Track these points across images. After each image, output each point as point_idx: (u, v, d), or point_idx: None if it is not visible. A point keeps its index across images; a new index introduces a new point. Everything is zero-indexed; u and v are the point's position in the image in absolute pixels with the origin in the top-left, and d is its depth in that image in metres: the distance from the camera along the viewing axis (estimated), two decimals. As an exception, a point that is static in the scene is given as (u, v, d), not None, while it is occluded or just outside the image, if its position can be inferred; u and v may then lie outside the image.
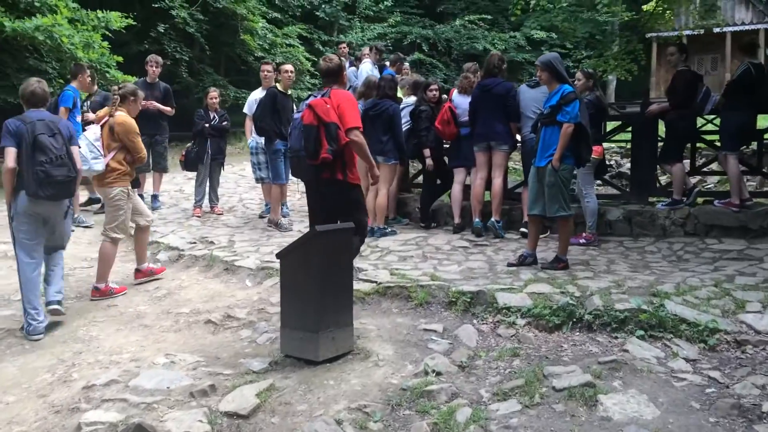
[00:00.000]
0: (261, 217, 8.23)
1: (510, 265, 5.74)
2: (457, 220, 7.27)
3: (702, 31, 25.71)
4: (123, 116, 5.54)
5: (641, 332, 4.11)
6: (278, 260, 4.08)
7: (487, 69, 6.99)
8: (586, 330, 4.35)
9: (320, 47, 21.35)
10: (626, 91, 26.79)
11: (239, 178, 11.49)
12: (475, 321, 4.62)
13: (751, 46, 6.44)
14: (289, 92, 7.83)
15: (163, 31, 17.13)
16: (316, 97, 4.87)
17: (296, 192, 10.28)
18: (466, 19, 26.14)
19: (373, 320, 4.69)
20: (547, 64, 5.56)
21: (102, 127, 5.55)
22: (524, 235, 6.72)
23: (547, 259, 5.83)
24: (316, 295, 3.79)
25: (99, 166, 5.39)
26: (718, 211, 6.54)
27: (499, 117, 6.83)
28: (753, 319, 4.17)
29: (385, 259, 6.15)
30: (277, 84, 7.68)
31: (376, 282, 5.28)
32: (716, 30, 25.27)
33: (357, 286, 5.20)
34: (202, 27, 17.46)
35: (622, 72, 12.84)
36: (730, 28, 23.53)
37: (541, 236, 6.24)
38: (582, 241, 6.58)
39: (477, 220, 6.97)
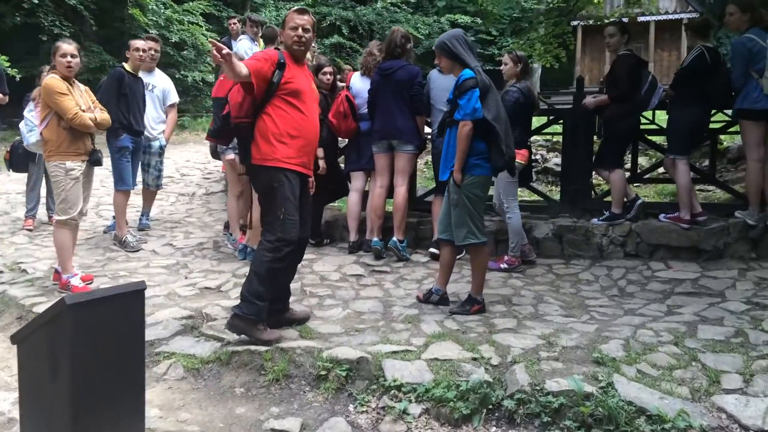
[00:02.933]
0: (106, 232, 6.54)
1: (418, 299, 4.41)
2: (353, 236, 5.84)
3: (627, 19, 25.43)
4: (47, 79, 4.81)
5: (584, 434, 2.82)
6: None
7: (387, 49, 5.57)
8: (506, 423, 3.04)
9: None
10: (552, 80, 26.14)
11: (108, 176, 9.64)
12: (351, 408, 3.22)
13: (704, 27, 5.29)
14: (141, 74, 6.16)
15: (38, 2, 14.94)
16: None
17: (171, 195, 8.61)
18: (389, 1, 24.78)
19: (202, 412, 3.21)
20: (442, 47, 4.18)
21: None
22: (434, 257, 5.38)
23: (460, 297, 4.49)
24: (68, 413, 2.26)
25: (33, 138, 5.08)
26: (665, 227, 5.40)
27: (401, 109, 5.44)
28: (735, 405, 2.94)
29: (249, 297, 4.65)
30: (125, 64, 5.99)
31: (221, 340, 3.79)
32: (640, 19, 24.99)
33: (193, 349, 3.70)
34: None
35: (549, 59, 11.68)
36: (654, 17, 23.16)
37: (458, 257, 4.90)
38: (503, 266, 5.30)
39: (375, 239, 5.56)
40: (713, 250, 5.29)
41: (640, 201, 5.51)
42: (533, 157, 6.82)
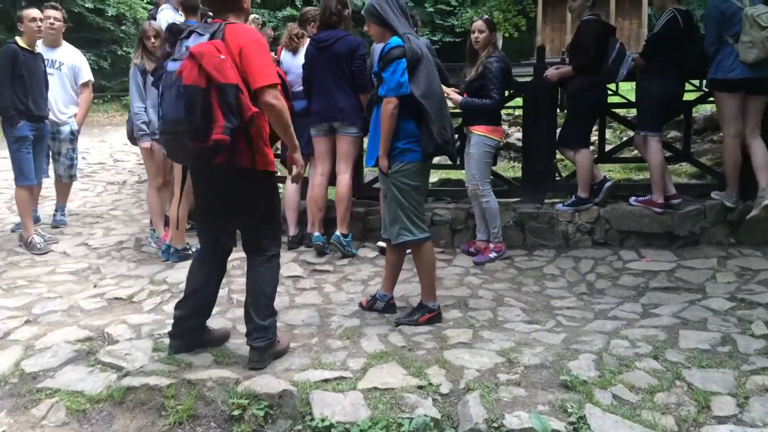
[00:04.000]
0: (13, 231, 5.76)
1: (361, 306, 3.85)
2: (292, 230, 5.20)
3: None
4: None
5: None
6: None
7: (322, 17, 4.89)
8: (457, 472, 2.47)
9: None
10: (513, 52, 25.56)
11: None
12: (268, 458, 2.61)
13: (676, -14, 4.73)
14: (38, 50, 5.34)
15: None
16: (201, 36, 2.87)
17: (98, 184, 7.82)
18: (344, -30, 23.76)
19: (79, 473, 2.56)
20: (370, 12, 3.54)
21: None
22: (383, 251, 4.76)
23: (410, 302, 3.91)
24: None
25: None
26: (636, 212, 4.88)
27: (342, 87, 4.79)
28: (731, 439, 2.44)
29: (164, 309, 3.99)
30: (18, 39, 5.18)
31: (120, 369, 3.14)
32: (601, -13, 24.53)
33: (83, 383, 3.06)
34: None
35: (508, 28, 11.02)
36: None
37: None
38: (492, 255, 4.76)
39: (316, 233, 4.93)
40: (689, 235, 4.80)
41: (609, 183, 4.98)
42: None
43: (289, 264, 4.81)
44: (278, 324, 3.64)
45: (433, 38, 23.80)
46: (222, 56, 2.77)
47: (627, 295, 4.05)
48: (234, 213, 3.13)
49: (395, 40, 3.44)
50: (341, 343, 3.38)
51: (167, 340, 3.35)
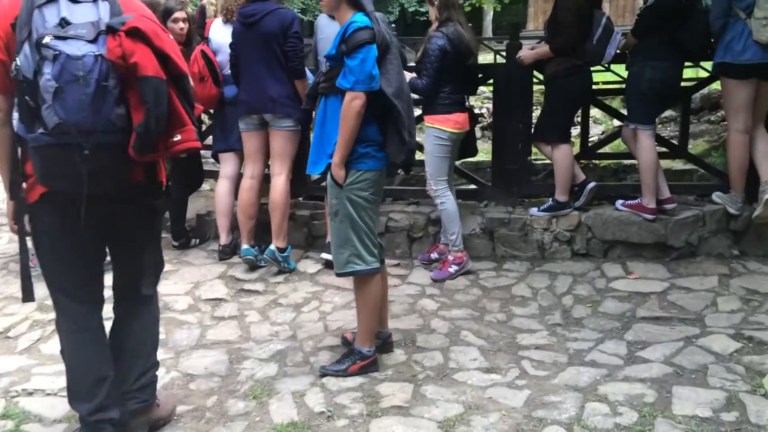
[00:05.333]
0: None
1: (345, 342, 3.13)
2: (223, 238, 4.45)
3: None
4: None
5: None
6: None
7: (253, -15, 4.06)
8: None
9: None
10: (508, 24, 24.52)
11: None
12: None
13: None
14: None
15: None
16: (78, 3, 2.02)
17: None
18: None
19: None
20: None
21: None
22: (328, 265, 4.04)
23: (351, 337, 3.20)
24: None
25: None
26: (623, 218, 4.15)
27: (273, 71, 3.99)
28: None
29: (41, 350, 3.24)
30: None
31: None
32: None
33: None
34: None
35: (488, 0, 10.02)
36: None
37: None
38: (452, 269, 4.04)
39: (245, 246, 4.18)
40: (685, 247, 4.08)
41: (591, 185, 4.23)
42: (477, 112, 5.36)
43: (212, 282, 4.07)
44: (173, 374, 2.93)
45: (421, 9, 22.80)
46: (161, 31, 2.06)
47: (609, 327, 3.33)
48: (126, 247, 2.37)
49: (362, 19, 2.66)
50: (243, 407, 2.66)
51: (26, 403, 2.63)
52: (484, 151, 6.16)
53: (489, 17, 23.11)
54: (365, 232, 2.79)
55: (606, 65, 4.96)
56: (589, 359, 2.99)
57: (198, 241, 4.78)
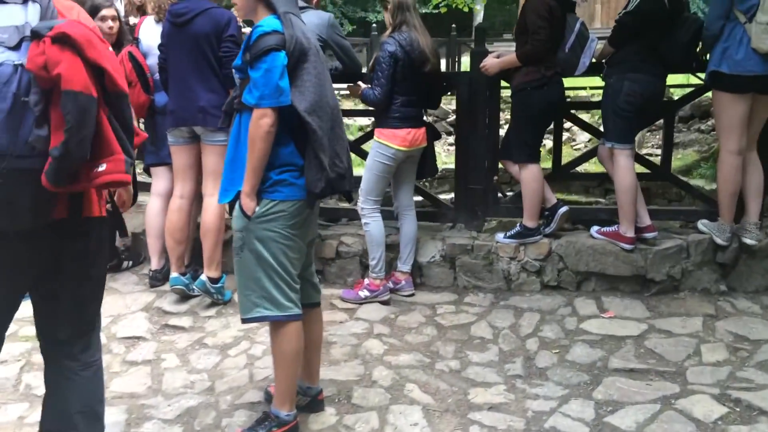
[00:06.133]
0: None
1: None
2: (155, 263, 3.99)
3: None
4: None
5: None
6: None
7: (185, -19, 3.60)
8: None
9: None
10: (500, 24, 24.02)
11: None
12: None
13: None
14: None
15: None
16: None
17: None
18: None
19: None
20: None
21: None
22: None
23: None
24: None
25: None
26: (599, 247, 3.72)
27: (205, 78, 3.53)
28: None
29: None
30: None
31: None
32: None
33: None
34: None
35: (463, 0, 9.41)
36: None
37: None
38: (363, 294, 3.65)
39: (175, 275, 3.71)
40: (666, 281, 3.65)
41: (563, 209, 3.79)
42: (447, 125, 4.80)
43: (134, 316, 3.61)
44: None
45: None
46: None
47: (577, 381, 2.88)
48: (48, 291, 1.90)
49: (269, 23, 2.23)
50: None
51: None
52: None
53: (479, 18, 22.62)
54: (278, 273, 2.33)
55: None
56: (550, 426, 2.54)
57: (131, 263, 4.31)
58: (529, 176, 3.70)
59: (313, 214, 2.48)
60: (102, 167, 1.66)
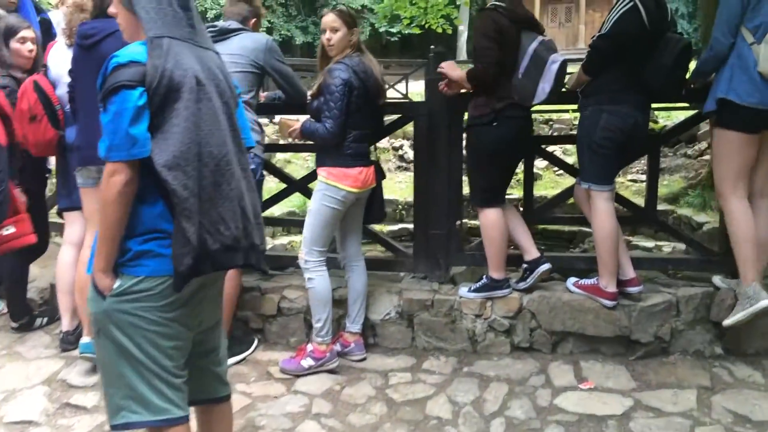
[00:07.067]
0: None
1: None
2: (66, 323, 3.46)
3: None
4: None
5: None
6: None
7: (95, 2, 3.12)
8: None
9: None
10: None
11: None
12: None
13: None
14: None
15: None
16: None
17: None
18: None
19: None
20: None
21: None
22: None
23: None
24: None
25: None
26: (576, 304, 3.23)
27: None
28: None
29: None
30: None
31: None
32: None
33: None
34: None
35: (436, 21, 8.93)
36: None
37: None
38: (306, 363, 3.16)
39: (86, 340, 3.16)
40: (654, 342, 3.17)
41: (545, 267, 3.27)
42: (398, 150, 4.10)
43: (33, 391, 3.07)
44: None
45: (392, 30, 21.97)
46: None
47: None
48: None
49: (131, 50, 1.78)
50: None
51: None
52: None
53: (463, 38, 22.25)
54: (148, 367, 1.82)
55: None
56: None
57: (46, 320, 3.78)
58: (487, 222, 3.22)
59: (208, 288, 1.97)
60: (9, 230, 1.26)
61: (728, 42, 2.82)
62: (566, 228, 7.17)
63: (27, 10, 5.10)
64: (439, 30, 9.41)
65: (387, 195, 8.61)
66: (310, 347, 3.20)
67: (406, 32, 18.41)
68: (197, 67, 1.84)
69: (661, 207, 7.23)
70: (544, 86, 2.96)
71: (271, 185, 5.21)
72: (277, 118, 3.62)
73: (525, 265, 3.34)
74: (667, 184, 8.08)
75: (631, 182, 8.66)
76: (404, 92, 13.11)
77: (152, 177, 1.75)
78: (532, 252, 3.31)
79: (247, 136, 2.08)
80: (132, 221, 1.79)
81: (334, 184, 3.04)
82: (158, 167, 1.72)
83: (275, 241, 7.61)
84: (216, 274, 1.95)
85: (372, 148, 3.26)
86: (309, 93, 3.17)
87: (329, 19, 3.07)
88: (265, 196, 4.00)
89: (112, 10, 1.98)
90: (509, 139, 3.12)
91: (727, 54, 2.84)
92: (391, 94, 14.18)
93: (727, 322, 2.95)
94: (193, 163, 1.77)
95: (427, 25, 9.35)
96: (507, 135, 3.11)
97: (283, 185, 3.86)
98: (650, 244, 6.33)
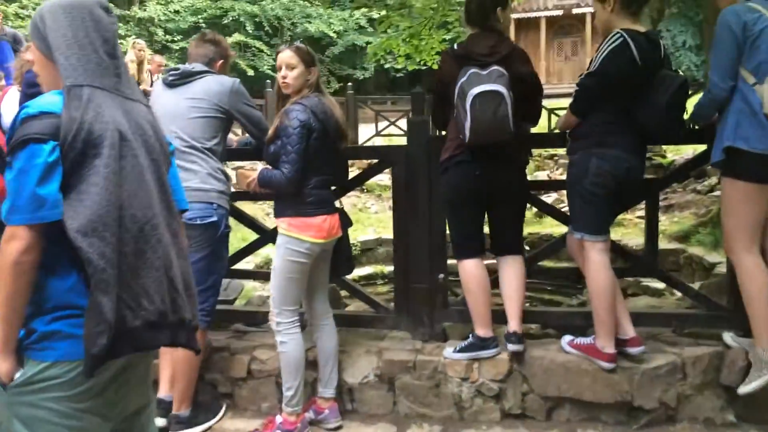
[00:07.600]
0: None
1: None
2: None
3: (561, 12, 23.31)
4: None
5: None
6: None
7: None
8: None
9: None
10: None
11: None
12: None
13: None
14: None
15: None
16: None
17: None
18: (299, -8, 22.28)
19: None
20: (34, 27, 1.67)
21: None
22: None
23: None
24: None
25: None
26: (571, 365, 2.93)
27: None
28: None
29: None
30: None
31: None
32: (575, 11, 23.04)
33: None
34: None
35: (431, 58, 8.90)
36: (591, 9, 21.23)
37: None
38: None
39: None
40: (659, 409, 2.85)
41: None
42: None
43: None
44: None
45: (396, 66, 22.03)
46: None
47: None
48: None
49: (45, 100, 1.57)
50: None
51: None
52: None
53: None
54: None
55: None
56: None
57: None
58: (464, 275, 2.97)
59: (134, 369, 1.71)
60: None
61: (727, 86, 2.60)
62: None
63: (4, 53, 5.00)
64: (435, 66, 9.34)
65: (385, 234, 8.37)
66: (279, 419, 2.91)
67: (412, 68, 18.42)
68: (122, 121, 1.62)
69: (671, 246, 6.94)
70: (465, 123, 2.72)
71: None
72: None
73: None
74: (677, 221, 7.76)
75: (640, 219, 8.34)
76: (405, 129, 12.97)
77: (64, 244, 1.52)
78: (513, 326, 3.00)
79: (179, 198, 1.85)
80: (39, 296, 1.56)
81: (296, 236, 2.78)
82: (71, 233, 1.49)
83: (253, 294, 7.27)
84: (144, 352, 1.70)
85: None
86: (265, 138, 2.94)
87: (286, 55, 2.85)
88: (241, 245, 3.79)
89: (27, 56, 1.79)
90: (467, 186, 2.89)
91: (726, 98, 2.61)
92: (392, 131, 14.08)
93: (742, 389, 2.65)
94: (112, 228, 1.53)
95: (422, 62, 9.29)
96: (461, 183, 2.91)
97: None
98: (660, 285, 6.01)
